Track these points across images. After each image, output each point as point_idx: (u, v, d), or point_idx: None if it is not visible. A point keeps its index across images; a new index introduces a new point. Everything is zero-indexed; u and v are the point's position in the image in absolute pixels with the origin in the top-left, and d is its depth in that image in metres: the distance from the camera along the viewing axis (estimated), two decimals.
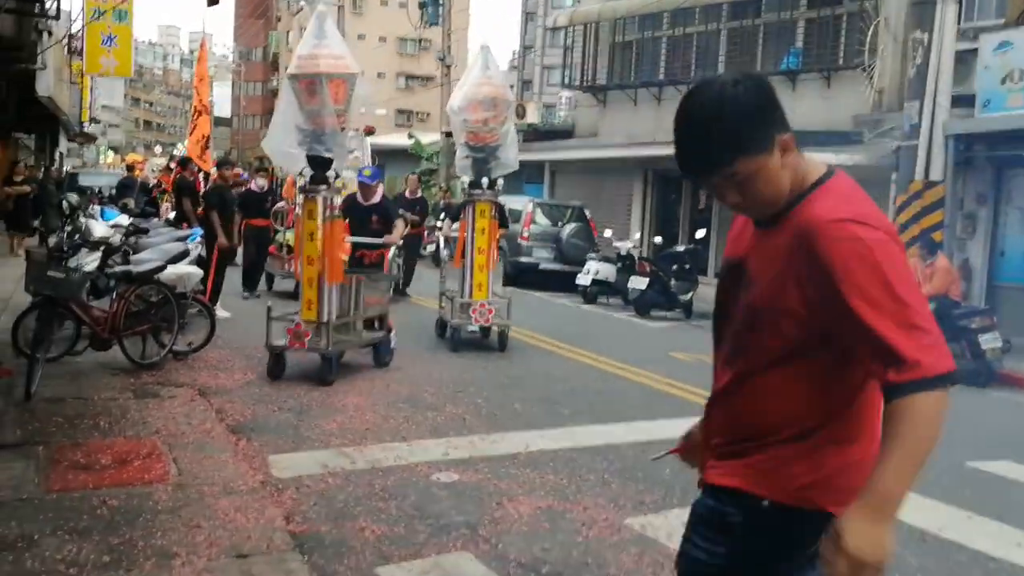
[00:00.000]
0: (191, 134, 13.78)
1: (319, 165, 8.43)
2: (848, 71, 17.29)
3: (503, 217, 11.03)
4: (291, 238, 12.14)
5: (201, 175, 16.63)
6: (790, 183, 2.04)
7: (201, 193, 13.71)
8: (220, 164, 12.54)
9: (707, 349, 9.48)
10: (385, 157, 29.48)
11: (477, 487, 5.62)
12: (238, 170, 12.53)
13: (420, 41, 60.56)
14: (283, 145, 8.51)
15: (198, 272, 9.07)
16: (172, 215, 13.82)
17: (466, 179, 10.63)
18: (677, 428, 7.36)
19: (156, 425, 6.65)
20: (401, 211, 10.94)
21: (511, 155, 10.49)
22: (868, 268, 1.89)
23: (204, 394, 7.62)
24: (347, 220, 9.10)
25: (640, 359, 10.51)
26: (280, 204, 14.35)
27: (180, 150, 56.33)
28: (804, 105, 17.86)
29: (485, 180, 10.33)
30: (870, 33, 16.25)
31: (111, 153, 76.28)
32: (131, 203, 17.69)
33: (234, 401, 7.46)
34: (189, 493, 5.23)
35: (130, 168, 20.50)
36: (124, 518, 4.78)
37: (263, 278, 14.12)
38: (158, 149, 78.66)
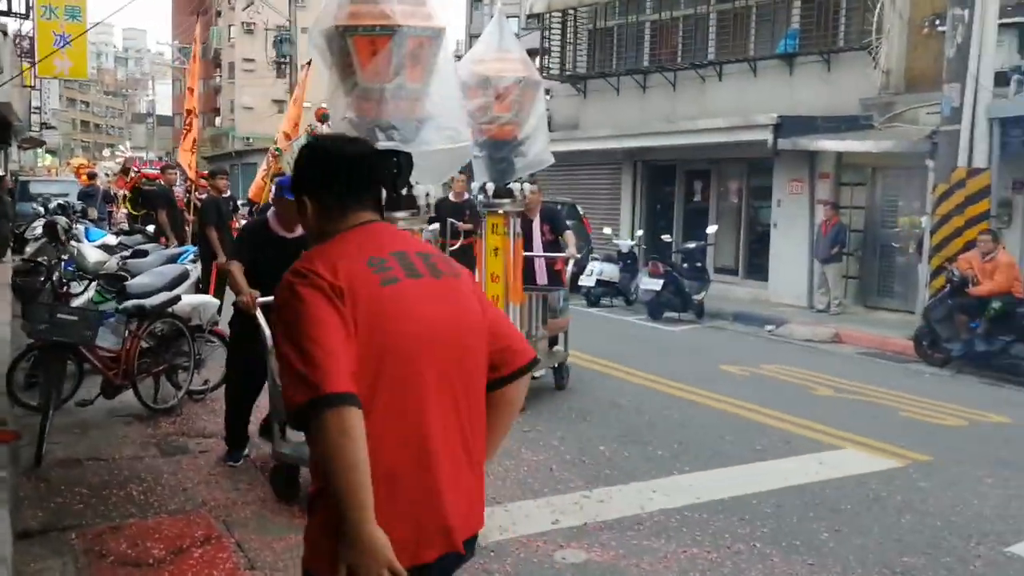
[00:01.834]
0: (184, 139, 12.56)
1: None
2: (850, 53, 16.53)
3: (556, 223, 9.44)
4: None
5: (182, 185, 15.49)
6: (319, 232, 2.36)
7: (186, 204, 12.63)
8: (212, 174, 11.37)
9: (752, 360, 8.41)
10: None
11: (616, 570, 4.66)
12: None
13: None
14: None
15: (215, 302, 8.00)
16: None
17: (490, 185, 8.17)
18: (795, 469, 6.43)
19: (200, 493, 5.66)
20: (451, 220, 9.51)
21: (535, 149, 8.08)
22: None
23: None
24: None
25: (693, 376, 9.56)
26: None
27: (123, 152, 54.23)
28: (805, 90, 17.17)
29: (491, 186, 8.03)
30: (876, 12, 15.53)
31: (49, 157, 73.47)
32: (94, 214, 16.51)
33: None
34: None
35: (92, 176, 19.13)
36: None
37: None
38: (106, 152, 75.83)
